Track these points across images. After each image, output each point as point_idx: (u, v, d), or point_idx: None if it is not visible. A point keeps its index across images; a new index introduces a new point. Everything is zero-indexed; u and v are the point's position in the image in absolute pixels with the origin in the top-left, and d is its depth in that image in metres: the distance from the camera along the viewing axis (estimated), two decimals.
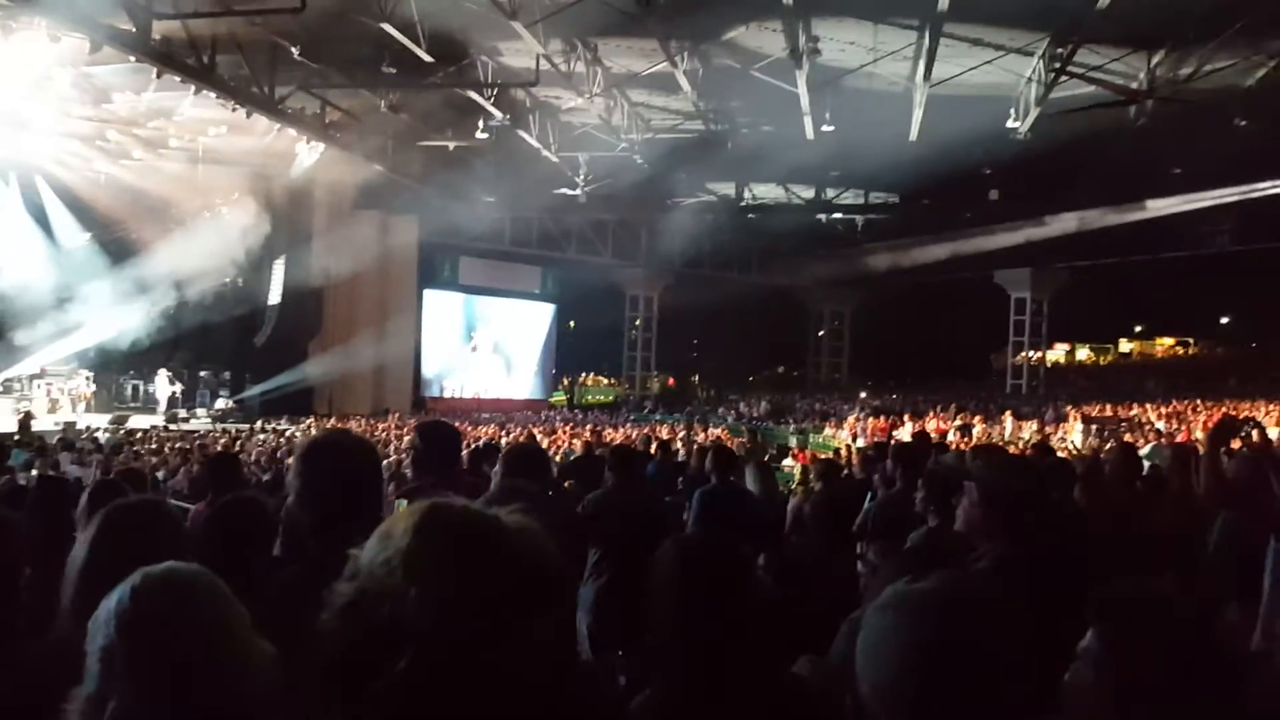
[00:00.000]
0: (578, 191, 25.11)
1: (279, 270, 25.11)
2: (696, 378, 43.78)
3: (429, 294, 30.62)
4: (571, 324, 37.85)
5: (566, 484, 6.31)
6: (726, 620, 1.86)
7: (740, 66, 17.89)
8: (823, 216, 29.39)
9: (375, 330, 26.03)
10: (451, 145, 22.03)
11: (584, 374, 42.49)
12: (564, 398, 38.20)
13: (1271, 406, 20.83)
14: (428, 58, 16.01)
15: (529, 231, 30.95)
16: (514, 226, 30.20)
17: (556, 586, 1.07)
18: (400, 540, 1.05)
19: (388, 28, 14.75)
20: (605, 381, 41.90)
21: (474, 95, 18.57)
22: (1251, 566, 3.46)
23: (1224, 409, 20.03)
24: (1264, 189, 21.42)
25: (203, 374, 26.13)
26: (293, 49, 15.95)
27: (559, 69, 17.34)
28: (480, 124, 19.59)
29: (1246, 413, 18.14)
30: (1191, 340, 45.18)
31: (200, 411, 24.73)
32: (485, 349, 33.02)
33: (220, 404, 25.18)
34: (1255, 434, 12.25)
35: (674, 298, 35.23)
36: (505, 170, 23.56)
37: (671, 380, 41.56)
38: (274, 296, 25.34)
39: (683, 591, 1.91)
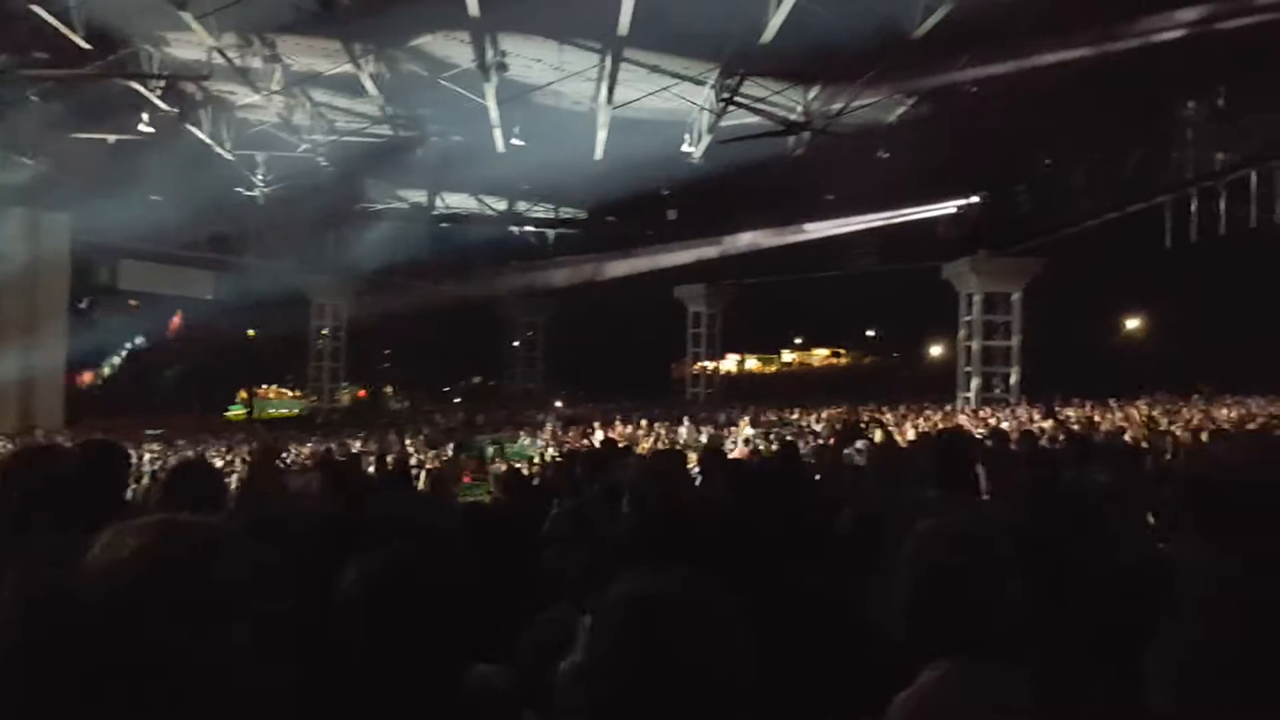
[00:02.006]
0: (256, 192, 23.82)
1: None
2: (390, 389, 42.73)
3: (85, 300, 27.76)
4: (250, 332, 35.70)
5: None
6: (422, 631, 1.88)
7: (428, 74, 17.78)
8: (515, 229, 29.77)
9: (22, 340, 23.26)
10: (111, 139, 20.18)
11: (264, 386, 40.22)
12: (242, 412, 35.93)
13: (910, 408, 23.48)
14: (85, 44, 14.62)
15: (201, 234, 28.81)
16: (184, 228, 28.00)
17: (257, 592, 1.10)
18: (125, 550, 1.04)
19: (39, 10, 13.34)
20: (289, 394, 39.88)
21: (137, 86, 17.15)
22: (870, 543, 3.81)
23: (870, 411, 22.32)
24: (902, 215, 24.15)
25: None
26: None
27: (233, 63, 16.41)
28: (145, 117, 18.12)
29: (872, 415, 20.32)
30: (843, 350, 49.97)
31: None
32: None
33: None
34: (879, 433, 13.79)
35: (364, 306, 34.18)
36: (174, 167, 21.86)
37: (363, 392, 40.30)
38: None
39: (373, 604, 1.91)
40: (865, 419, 16.97)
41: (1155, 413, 18.13)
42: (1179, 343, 31.37)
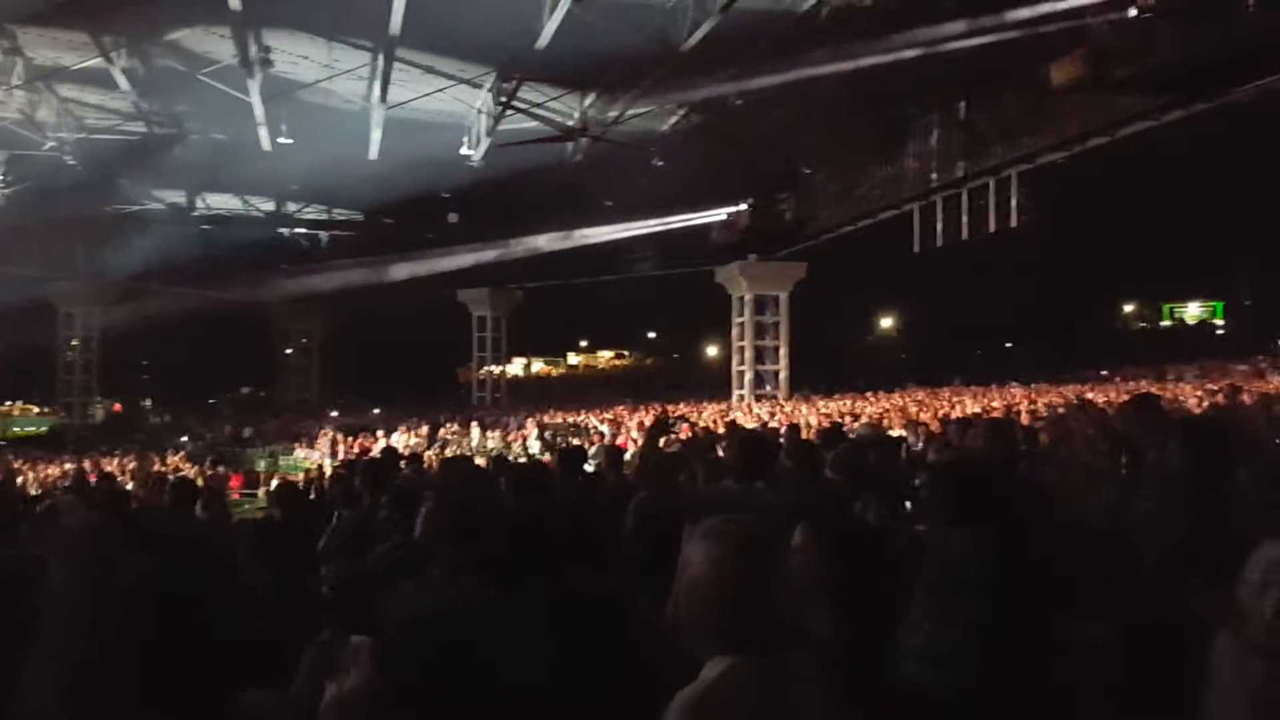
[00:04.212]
0: None
1: None
2: (148, 402, 39.99)
3: None
4: None
5: None
6: (181, 658, 1.82)
7: (187, 69, 16.79)
8: (285, 231, 28.54)
9: None
10: None
11: (7, 403, 36.75)
12: None
13: (701, 405, 24.25)
14: None
15: None
16: None
17: None
18: None
19: None
20: (35, 410, 36.60)
21: None
22: (662, 542, 3.88)
23: (657, 409, 22.90)
24: (675, 221, 24.91)
25: None
26: None
27: None
28: None
29: (678, 412, 20.87)
30: (627, 352, 51.00)
31: None
32: None
33: None
34: (685, 429, 14.23)
35: (119, 315, 31.69)
36: None
37: (118, 406, 37.49)
38: None
39: (133, 631, 1.84)
40: (673, 416, 17.44)
41: (908, 404, 19.53)
42: (925, 340, 33.99)
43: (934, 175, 20.25)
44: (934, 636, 3.02)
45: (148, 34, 15.63)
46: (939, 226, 20.18)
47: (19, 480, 16.04)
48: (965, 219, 19.53)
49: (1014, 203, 18.48)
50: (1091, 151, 17.20)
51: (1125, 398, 8.67)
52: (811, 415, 18.09)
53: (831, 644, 2.09)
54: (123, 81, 16.68)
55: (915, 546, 3.69)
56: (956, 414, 14.92)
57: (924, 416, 15.19)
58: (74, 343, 32.22)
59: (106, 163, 21.24)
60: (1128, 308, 48.66)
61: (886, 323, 41.99)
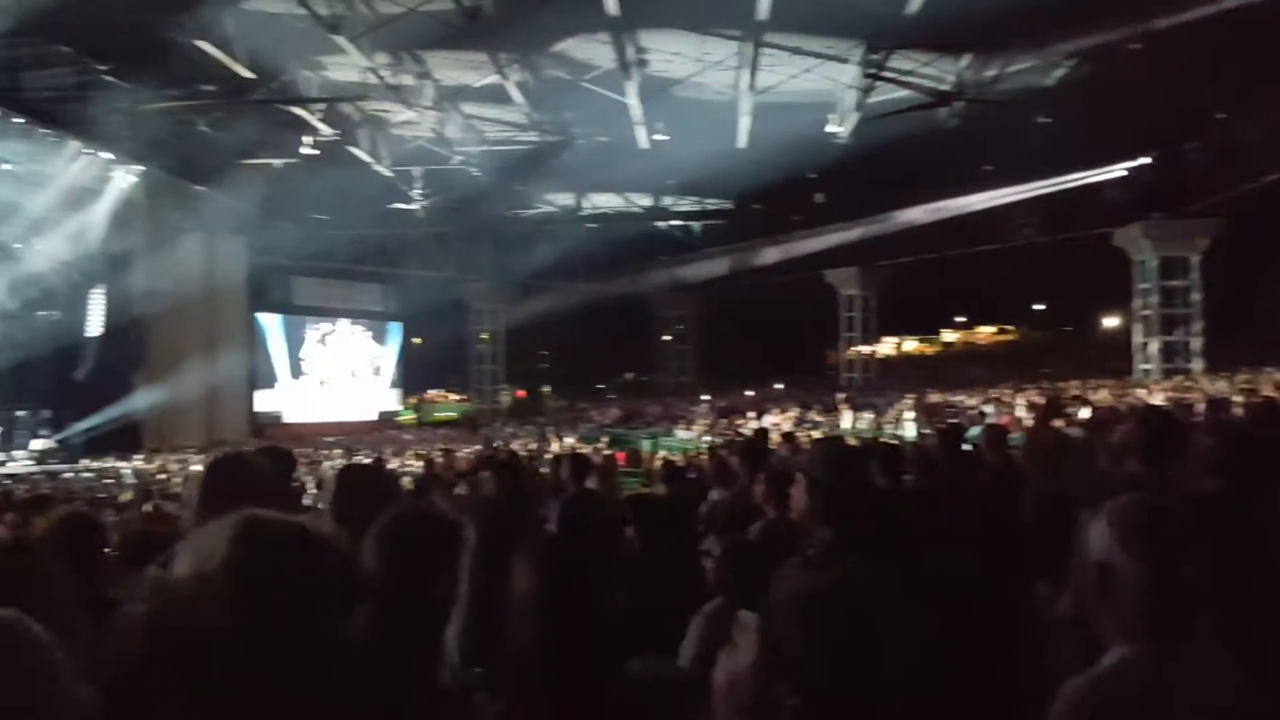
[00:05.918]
0: (414, 205, 24.75)
1: (98, 300, 23.72)
2: (548, 388, 43.66)
3: (262, 317, 29.44)
4: (417, 340, 37.14)
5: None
6: (586, 623, 1.88)
7: (571, 78, 18.05)
8: (661, 223, 29.92)
9: (205, 357, 24.87)
10: (279, 163, 21.35)
11: (431, 391, 41.80)
12: (412, 416, 37.45)
13: (1092, 383, 22.37)
14: (248, 74, 15.54)
15: (366, 248, 30.21)
16: (350, 243, 29.44)
17: (355, 588, 1.12)
18: (218, 550, 1.07)
19: (204, 45, 14.26)
20: (453, 398, 41.30)
21: (298, 110, 18.09)
22: (1057, 534, 3.59)
23: (1043, 390, 21.37)
24: (1065, 182, 23.01)
25: (20, 413, 24.35)
26: (100, 68, 15.20)
27: (387, 82, 17.09)
28: (310, 140, 19.10)
29: (1072, 392, 19.33)
30: (1011, 327, 47.81)
31: (19, 453, 23.06)
32: (327, 370, 32.00)
33: (38, 444, 23.52)
34: (1083, 411, 13.09)
35: (520, 309, 35.02)
36: (337, 186, 23.00)
37: (522, 392, 41.30)
38: (94, 328, 23.89)
39: (544, 595, 1.93)
40: (1069, 396, 16.18)
41: None
42: None
43: None
44: None
45: (536, 47, 16.97)
46: None
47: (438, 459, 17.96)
48: None
49: None
50: None
51: None
52: (1235, 393, 15.95)
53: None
54: (516, 95, 18.27)
55: None
56: None
57: None
58: (483, 336, 36.03)
59: (505, 171, 23.43)
60: None
61: None
